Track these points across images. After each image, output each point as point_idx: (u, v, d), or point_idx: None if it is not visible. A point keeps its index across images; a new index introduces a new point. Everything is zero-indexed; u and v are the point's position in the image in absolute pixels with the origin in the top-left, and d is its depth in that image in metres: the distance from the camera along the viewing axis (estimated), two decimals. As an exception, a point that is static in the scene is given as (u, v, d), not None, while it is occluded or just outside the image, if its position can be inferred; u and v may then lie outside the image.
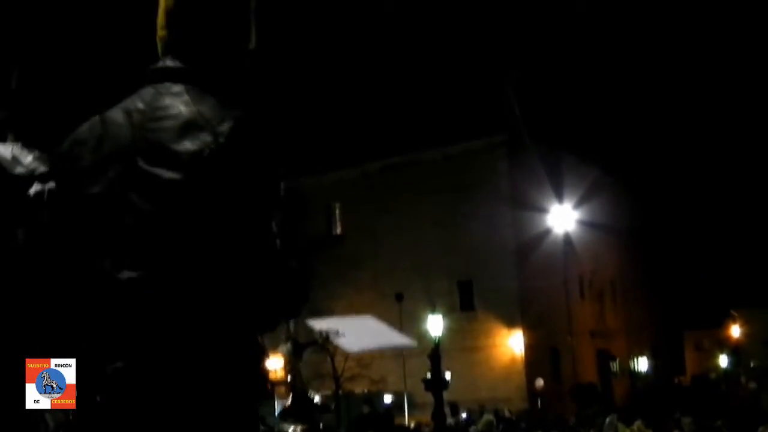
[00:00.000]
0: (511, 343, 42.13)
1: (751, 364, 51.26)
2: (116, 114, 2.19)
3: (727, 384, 50.89)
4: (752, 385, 48.25)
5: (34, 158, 3.30)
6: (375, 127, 43.76)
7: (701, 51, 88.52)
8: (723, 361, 54.56)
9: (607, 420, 18.36)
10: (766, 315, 51.43)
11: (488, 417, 23.05)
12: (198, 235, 2.00)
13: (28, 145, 3.33)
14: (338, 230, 45.80)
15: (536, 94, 46.88)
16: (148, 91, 2.17)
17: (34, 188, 3.17)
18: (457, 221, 42.76)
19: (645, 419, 18.16)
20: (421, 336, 38.34)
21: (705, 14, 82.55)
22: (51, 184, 3.02)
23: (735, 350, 53.99)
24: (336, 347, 41.26)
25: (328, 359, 40.89)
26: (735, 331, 54.04)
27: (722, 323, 55.94)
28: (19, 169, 3.23)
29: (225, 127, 2.01)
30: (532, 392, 40.40)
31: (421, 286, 41.78)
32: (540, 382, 40.42)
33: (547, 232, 43.34)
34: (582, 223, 44.64)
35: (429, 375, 35.92)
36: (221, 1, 2.22)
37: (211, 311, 2.01)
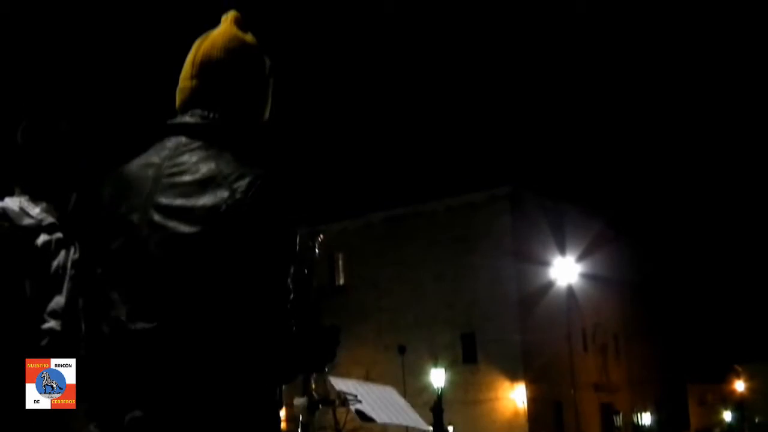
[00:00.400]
0: (514, 396, 41.87)
1: (756, 420, 51.32)
2: (134, 168, 2.23)
3: None
4: None
5: (42, 210, 3.31)
6: (379, 178, 44.30)
7: (700, 104, 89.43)
8: (727, 416, 54.38)
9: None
10: None
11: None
12: (212, 289, 2.03)
13: (35, 198, 3.33)
14: (341, 281, 45.79)
15: (539, 147, 47.08)
16: (166, 146, 2.21)
17: (42, 238, 3.21)
18: (460, 273, 42.73)
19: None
20: (423, 388, 39.03)
21: (705, 63, 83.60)
22: (58, 234, 3.14)
23: (739, 405, 53.75)
24: (337, 396, 41.50)
25: (330, 411, 40.69)
26: (739, 385, 53.81)
27: (726, 378, 55.72)
28: (26, 221, 3.24)
29: (242, 184, 2.05)
30: None
31: (424, 338, 41.79)
32: None
33: (550, 284, 43.20)
34: (585, 275, 44.58)
35: (431, 428, 35.77)
36: (247, 66, 2.30)
37: (223, 364, 2.04)
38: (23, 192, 3.38)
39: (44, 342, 3.17)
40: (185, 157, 2.15)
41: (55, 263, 3.33)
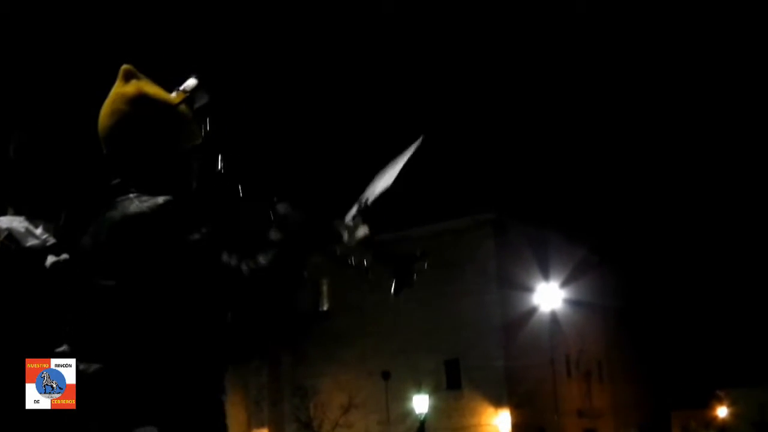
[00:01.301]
0: (498, 422, 41.88)
1: None
2: (101, 221, 2.53)
3: None
4: None
5: (43, 230, 3.37)
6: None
7: (679, 135, 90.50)
8: None
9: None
10: (753, 395, 51.44)
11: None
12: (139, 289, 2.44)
13: (31, 217, 3.40)
14: (325, 306, 45.72)
15: (523, 174, 47.20)
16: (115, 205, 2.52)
17: (50, 259, 3.28)
18: (444, 299, 42.70)
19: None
20: (407, 414, 39.62)
21: (685, 95, 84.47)
22: (65, 256, 3.16)
23: (722, 430, 54.09)
24: (320, 424, 41.12)
25: (305, 405, 41.13)
26: (721, 411, 54.37)
27: (708, 403, 56.16)
28: (32, 242, 3.32)
29: (150, 206, 2.41)
30: None
31: (408, 364, 41.81)
32: None
33: (534, 310, 43.26)
34: (569, 301, 44.67)
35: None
36: (144, 131, 2.52)
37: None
38: (17, 212, 3.42)
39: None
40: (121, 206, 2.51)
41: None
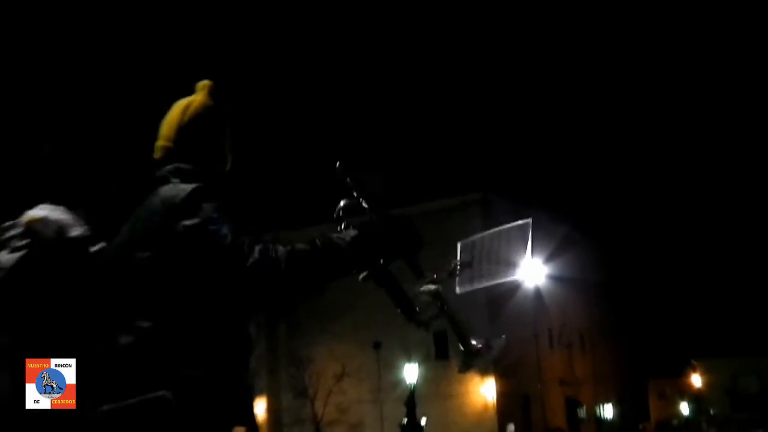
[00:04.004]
0: (484, 391, 42.07)
1: (711, 412, 51.70)
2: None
3: (689, 430, 52.02)
4: (712, 431, 49.73)
5: (77, 220, 3.32)
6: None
7: (658, 113, 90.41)
8: (684, 408, 54.84)
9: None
10: (725, 364, 51.56)
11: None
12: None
13: (69, 208, 3.35)
14: None
15: (510, 155, 46.95)
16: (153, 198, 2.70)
17: (94, 247, 3.24)
18: (432, 274, 42.21)
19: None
20: (397, 383, 39.64)
21: (661, 72, 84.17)
22: (102, 244, 3.19)
23: (696, 398, 54.30)
24: (315, 392, 41.03)
25: (308, 404, 40.46)
26: (695, 380, 54.34)
27: (683, 372, 56.27)
28: (76, 232, 3.24)
29: (178, 200, 2.57)
30: None
31: (398, 336, 40.83)
32: (511, 428, 40.43)
33: (518, 286, 42.85)
34: (552, 277, 44.61)
35: (405, 420, 36.20)
36: (211, 130, 2.84)
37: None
38: (54, 203, 3.37)
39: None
40: (154, 201, 2.66)
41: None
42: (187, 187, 2.63)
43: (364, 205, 2.96)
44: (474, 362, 2.81)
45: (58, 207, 3.30)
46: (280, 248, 2.51)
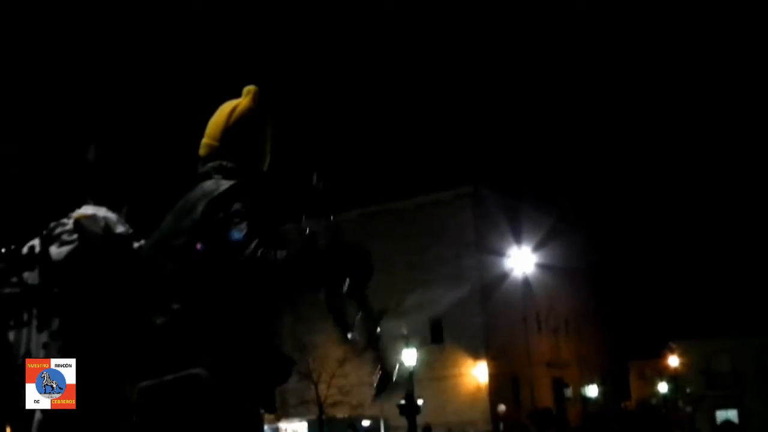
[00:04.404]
0: (476, 373, 42.24)
1: (687, 390, 51.60)
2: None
3: (667, 408, 51.78)
4: (688, 408, 50.12)
5: (119, 219, 3.47)
6: (353, 178, 43.65)
7: (638, 105, 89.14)
8: (663, 387, 54.58)
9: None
10: (700, 346, 51.36)
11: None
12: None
13: (112, 209, 3.48)
14: None
15: (498, 149, 47.64)
16: (197, 189, 2.82)
17: (136, 243, 3.37)
18: (428, 264, 42.87)
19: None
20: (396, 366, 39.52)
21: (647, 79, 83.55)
22: (142, 242, 3.30)
23: (673, 378, 53.88)
24: (319, 376, 41.36)
25: (313, 387, 40.56)
26: (673, 361, 53.58)
27: (662, 354, 55.56)
28: (120, 229, 3.38)
29: (219, 190, 2.69)
30: (495, 416, 40.66)
31: (397, 322, 40.21)
32: (502, 407, 40.59)
33: (508, 273, 43.35)
34: (539, 265, 44.55)
35: (403, 401, 36.10)
36: (255, 132, 2.94)
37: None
38: (97, 204, 3.47)
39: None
40: (197, 193, 2.77)
41: None
42: (225, 184, 2.69)
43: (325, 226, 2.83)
44: (388, 387, 2.75)
45: (101, 207, 3.43)
46: (279, 253, 2.50)
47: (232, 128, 2.90)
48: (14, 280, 3.26)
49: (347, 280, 2.64)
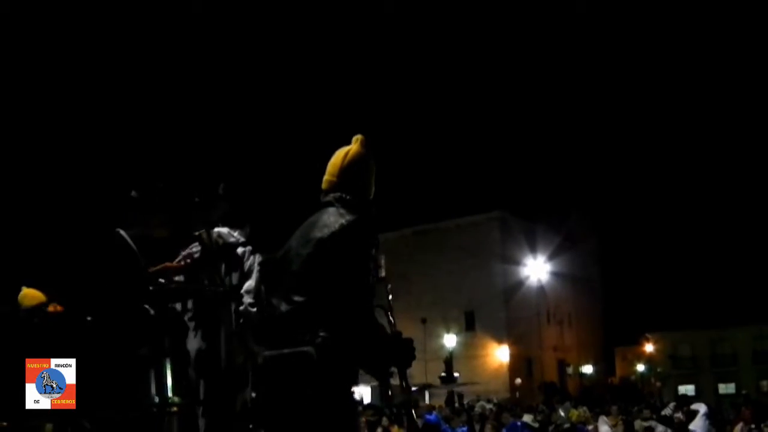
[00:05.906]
0: (499, 354, 44.25)
1: (658, 370, 54.17)
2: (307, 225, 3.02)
3: (642, 383, 54.59)
4: (658, 384, 52.89)
5: (240, 233, 4.15)
6: (409, 203, 44.74)
7: (634, 128, 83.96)
8: (640, 367, 56.78)
9: (564, 405, 19.65)
10: (669, 336, 53.87)
11: (482, 403, 24.33)
12: (322, 282, 2.87)
13: (232, 227, 4.20)
14: (382, 274, 49.85)
15: (521, 182, 48.52)
16: (319, 214, 3.05)
17: (240, 249, 4.03)
18: (464, 270, 44.50)
19: (588, 406, 19.92)
20: (439, 348, 41.45)
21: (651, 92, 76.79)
22: (249, 247, 3.91)
23: (648, 360, 56.06)
24: None
25: None
26: (648, 347, 55.45)
27: (640, 342, 57.32)
28: (231, 239, 4.03)
29: (337, 226, 2.92)
30: (513, 387, 42.57)
31: (439, 314, 43.67)
32: (518, 381, 43.04)
33: (525, 279, 45.55)
34: (550, 273, 46.75)
35: (443, 374, 39.37)
36: (364, 172, 3.17)
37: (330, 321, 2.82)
38: (224, 225, 4.18)
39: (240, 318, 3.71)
40: (324, 216, 3.00)
41: (247, 264, 4.16)
42: (348, 218, 2.91)
43: (391, 319, 3.06)
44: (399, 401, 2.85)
45: (224, 227, 4.12)
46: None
47: (346, 167, 3.10)
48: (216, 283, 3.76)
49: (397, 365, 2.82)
